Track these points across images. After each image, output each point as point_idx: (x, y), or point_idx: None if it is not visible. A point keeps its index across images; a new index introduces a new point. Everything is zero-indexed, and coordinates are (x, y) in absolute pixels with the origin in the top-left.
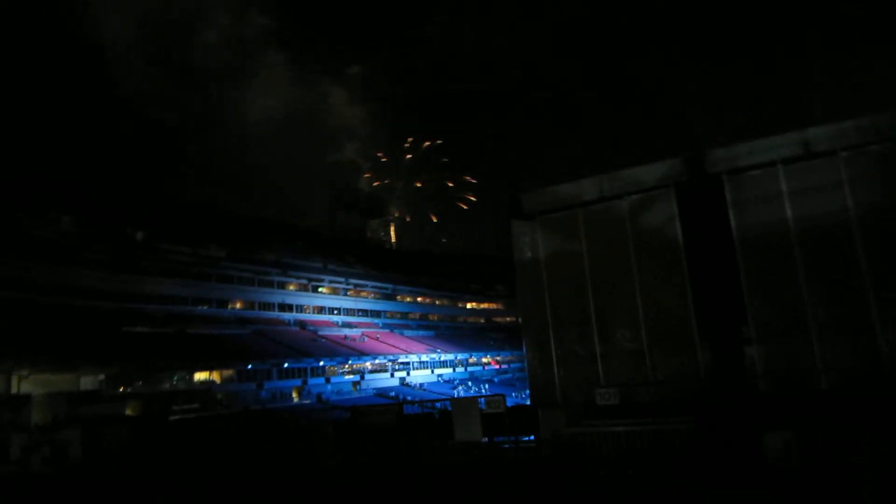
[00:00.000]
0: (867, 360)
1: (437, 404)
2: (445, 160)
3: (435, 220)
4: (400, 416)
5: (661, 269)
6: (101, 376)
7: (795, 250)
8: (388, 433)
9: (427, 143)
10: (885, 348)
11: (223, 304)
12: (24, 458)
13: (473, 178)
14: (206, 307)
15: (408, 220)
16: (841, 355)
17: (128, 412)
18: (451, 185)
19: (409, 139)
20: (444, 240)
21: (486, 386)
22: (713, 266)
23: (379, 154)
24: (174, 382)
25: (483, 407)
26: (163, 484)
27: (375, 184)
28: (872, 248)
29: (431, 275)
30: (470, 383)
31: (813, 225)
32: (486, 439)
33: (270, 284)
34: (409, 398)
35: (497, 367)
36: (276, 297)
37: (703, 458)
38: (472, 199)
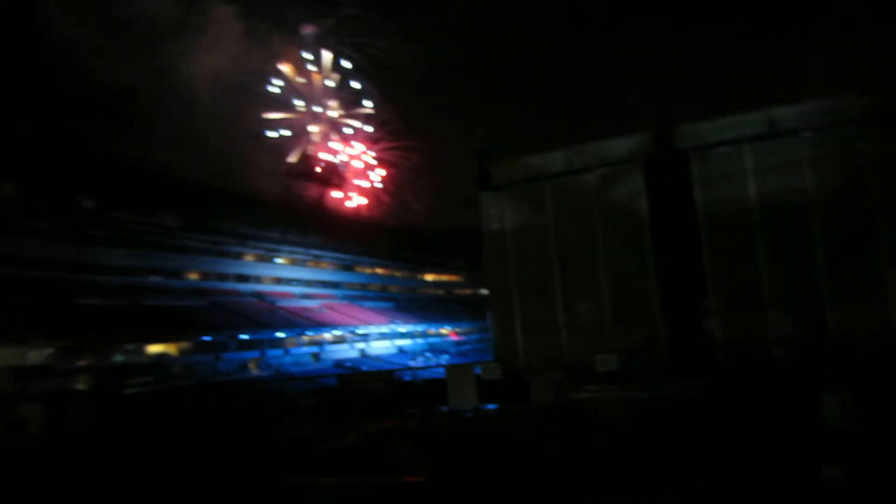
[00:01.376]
0: (816, 334)
1: (408, 374)
2: (393, 129)
3: (392, 191)
4: (391, 383)
5: (626, 243)
6: (50, 350)
7: (756, 227)
8: (379, 401)
9: (372, 113)
10: (833, 323)
11: (178, 274)
12: None
13: (431, 149)
14: (160, 278)
15: (367, 189)
16: (792, 329)
17: (80, 386)
18: (407, 157)
19: (366, 105)
20: (415, 205)
21: (446, 357)
22: (677, 240)
23: (335, 117)
24: (128, 355)
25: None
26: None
27: (330, 153)
28: (827, 227)
29: (392, 247)
30: (429, 354)
31: (774, 203)
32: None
33: (228, 255)
34: (373, 369)
35: (457, 338)
36: (234, 267)
37: (710, 423)
38: (429, 170)
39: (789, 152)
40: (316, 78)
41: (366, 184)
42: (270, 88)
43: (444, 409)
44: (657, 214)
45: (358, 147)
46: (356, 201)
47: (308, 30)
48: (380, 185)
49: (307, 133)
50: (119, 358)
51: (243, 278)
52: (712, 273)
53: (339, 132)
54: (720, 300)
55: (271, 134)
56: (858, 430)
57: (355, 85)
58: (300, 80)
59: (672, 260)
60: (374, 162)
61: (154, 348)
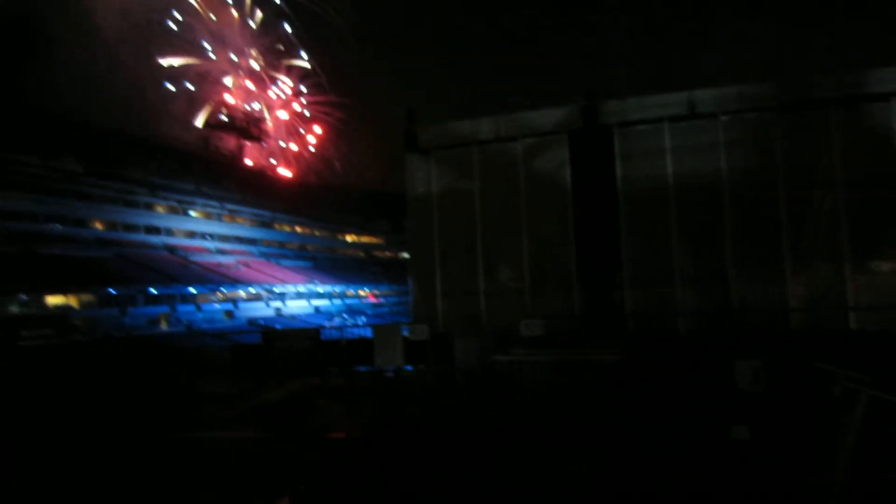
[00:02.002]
0: (720, 307)
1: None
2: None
3: (314, 146)
4: (317, 341)
5: (548, 213)
6: None
7: (671, 204)
8: (303, 359)
9: (298, 64)
10: (735, 298)
11: (81, 223)
12: None
13: (357, 107)
14: (60, 226)
15: (287, 144)
16: (698, 302)
17: None
18: (332, 114)
19: (285, 56)
20: (337, 163)
21: (363, 318)
22: (598, 213)
23: (254, 66)
24: (24, 306)
25: (406, 334)
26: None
27: (245, 102)
28: (736, 208)
29: (312, 205)
30: (346, 315)
31: (689, 181)
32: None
33: (136, 205)
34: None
35: (375, 300)
36: (143, 218)
37: (630, 386)
38: (352, 125)
39: (707, 134)
40: (233, 18)
41: (287, 139)
42: (171, 24)
43: (367, 368)
44: (580, 187)
45: (279, 99)
46: (276, 156)
47: None
48: (302, 142)
49: (222, 80)
50: (13, 308)
51: (153, 230)
52: (627, 246)
53: (260, 81)
54: (633, 272)
55: (175, 82)
56: (767, 394)
57: (279, 29)
58: (212, 16)
59: (591, 232)
60: (297, 117)
61: (53, 300)
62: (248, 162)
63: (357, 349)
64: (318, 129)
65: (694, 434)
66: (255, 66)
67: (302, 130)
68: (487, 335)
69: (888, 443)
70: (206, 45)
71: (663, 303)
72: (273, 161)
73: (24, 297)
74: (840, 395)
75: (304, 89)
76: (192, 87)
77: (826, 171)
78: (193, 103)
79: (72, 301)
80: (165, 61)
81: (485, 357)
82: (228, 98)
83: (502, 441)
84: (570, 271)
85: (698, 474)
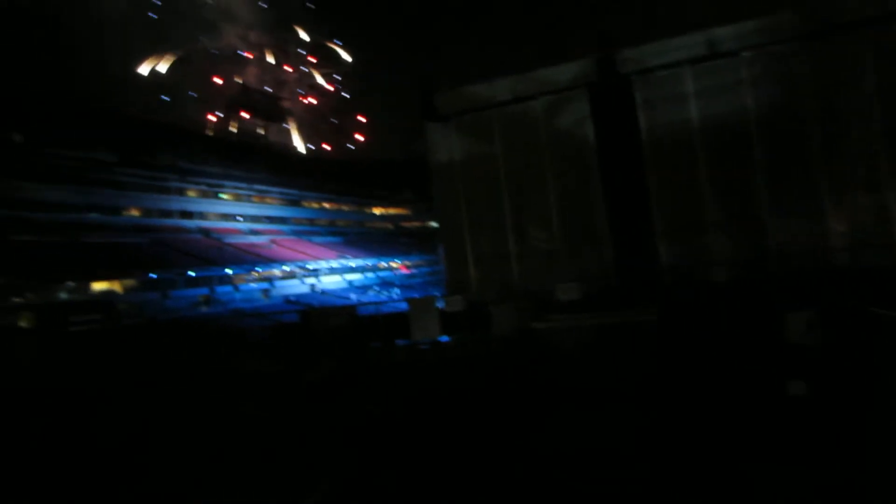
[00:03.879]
0: (757, 253)
1: (368, 308)
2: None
3: (333, 120)
4: (354, 317)
5: (574, 170)
6: None
7: (699, 149)
8: (344, 336)
9: (315, 42)
10: (773, 243)
11: (118, 211)
12: None
13: (371, 76)
14: (99, 215)
15: (307, 119)
16: (735, 250)
17: (21, 324)
18: (346, 84)
19: (299, 32)
20: (356, 135)
21: (397, 290)
22: (624, 165)
23: (268, 49)
24: (72, 293)
25: (441, 306)
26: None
27: (265, 81)
28: (767, 146)
29: (338, 180)
30: (378, 287)
31: (716, 124)
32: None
33: (168, 191)
34: (326, 304)
35: (407, 271)
36: (176, 203)
37: (673, 345)
38: (370, 99)
39: (729, 73)
40: None
41: (305, 114)
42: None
43: (405, 342)
44: (603, 140)
45: (296, 74)
46: (298, 133)
47: None
48: (320, 115)
49: (238, 58)
50: (62, 295)
51: (187, 215)
52: (657, 196)
53: (275, 57)
54: (665, 223)
55: (193, 65)
56: (821, 345)
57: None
58: None
59: (619, 185)
60: (314, 90)
61: (98, 286)
62: (272, 140)
63: (394, 323)
64: (334, 100)
65: (746, 391)
66: (267, 38)
67: (318, 102)
68: (522, 301)
69: None
70: (220, 25)
71: (699, 253)
72: (297, 138)
73: (71, 283)
74: None
75: (317, 60)
76: (210, 66)
77: (860, 98)
78: (214, 84)
79: (116, 286)
80: (181, 41)
81: (521, 324)
82: (247, 77)
83: (545, 408)
84: (600, 227)
85: (754, 432)
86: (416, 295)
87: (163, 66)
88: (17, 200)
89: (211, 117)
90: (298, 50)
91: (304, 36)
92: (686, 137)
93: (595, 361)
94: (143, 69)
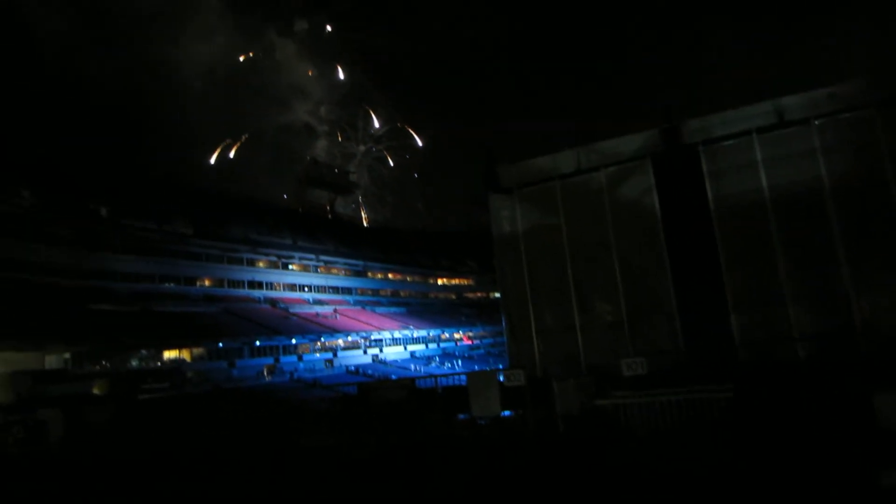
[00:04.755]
0: (839, 328)
1: (428, 381)
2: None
3: (395, 192)
4: (413, 390)
5: (639, 241)
6: (67, 354)
7: (770, 219)
8: (402, 409)
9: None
10: (857, 317)
11: (191, 281)
12: (1, 438)
13: (431, 149)
14: (173, 285)
15: (372, 191)
16: (815, 324)
17: (95, 391)
18: (407, 157)
19: (368, 111)
20: (419, 205)
21: (460, 362)
22: (691, 237)
23: (339, 130)
24: (143, 361)
25: (502, 380)
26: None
27: (335, 156)
28: (845, 214)
29: (402, 251)
30: (438, 358)
31: (787, 193)
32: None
33: (239, 262)
34: (387, 375)
35: (470, 342)
36: (246, 274)
37: (748, 426)
38: (430, 171)
39: (800, 141)
40: (311, 73)
41: (370, 186)
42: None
43: (465, 416)
44: (669, 211)
45: (361, 148)
46: (363, 205)
47: (302, 24)
48: (383, 187)
49: (310, 134)
50: (134, 363)
51: (256, 285)
52: (727, 267)
53: (342, 134)
54: (737, 296)
55: (265, 141)
56: None
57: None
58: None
59: (687, 256)
60: (378, 163)
61: (169, 354)
62: (339, 212)
63: (454, 396)
64: (396, 173)
65: (832, 480)
66: (334, 117)
67: (382, 175)
68: (587, 376)
69: None
70: (290, 101)
71: (775, 327)
72: (362, 210)
73: (144, 352)
74: None
75: (380, 135)
76: (282, 143)
77: None
78: (285, 160)
79: (185, 355)
80: (255, 120)
81: (586, 400)
82: (317, 152)
83: (613, 491)
84: (668, 300)
85: None
86: (478, 367)
87: (237, 141)
88: (97, 271)
89: (282, 190)
90: (366, 125)
91: (375, 121)
92: (757, 207)
93: (665, 441)
94: (219, 145)
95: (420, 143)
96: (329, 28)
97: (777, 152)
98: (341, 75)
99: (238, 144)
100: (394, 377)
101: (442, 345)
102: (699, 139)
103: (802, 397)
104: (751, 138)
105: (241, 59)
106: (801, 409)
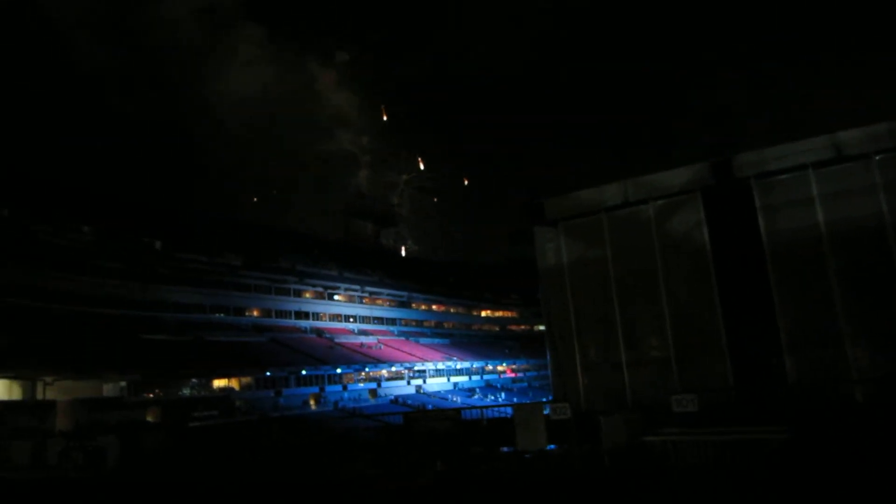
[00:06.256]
0: None
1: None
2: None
3: (438, 223)
4: (458, 421)
5: (688, 276)
6: (123, 383)
7: (827, 256)
8: (447, 440)
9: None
10: None
11: (240, 311)
12: (61, 464)
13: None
14: (223, 315)
15: (416, 223)
16: (872, 366)
17: (148, 418)
18: (448, 188)
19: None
20: (461, 235)
21: (503, 394)
22: (742, 272)
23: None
24: (194, 389)
25: (547, 413)
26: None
27: (377, 186)
28: None
29: (445, 283)
30: (479, 390)
31: (846, 230)
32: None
33: (287, 292)
34: (429, 406)
35: (513, 375)
36: (293, 304)
37: (800, 468)
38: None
39: (859, 177)
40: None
41: (414, 218)
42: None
43: (509, 450)
44: (719, 245)
45: (403, 177)
46: (407, 236)
47: (343, 56)
48: (426, 218)
49: (355, 166)
50: (186, 392)
51: (302, 315)
52: (781, 305)
53: (387, 162)
54: (791, 334)
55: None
56: None
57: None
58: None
59: (738, 293)
60: (420, 192)
61: (218, 383)
62: (383, 243)
63: (498, 428)
64: (438, 204)
65: None
66: (378, 150)
67: (425, 207)
68: (634, 412)
69: None
70: (335, 132)
71: (831, 368)
72: (405, 241)
73: (195, 380)
74: None
75: (422, 168)
76: (329, 176)
77: None
78: (331, 192)
79: (234, 383)
80: (302, 152)
81: (633, 436)
82: (363, 185)
83: None
84: (718, 337)
85: None
86: (520, 399)
87: (284, 174)
88: (151, 302)
89: (326, 220)
90: (410, 156)
91: (420, 163)
92: (813, 243)
93: (717, 481)
94: (267, 178)
95: (465, 182)
96: (368, 58)
97: (835, 188)
98: (384, 117)
99: (288, 168)
100: (436, 408)
101: (485, 377)
102: (751, 173)
103: (861, 441)
104: (807, 173)
105: (282, 89)
106: (860, 453)
